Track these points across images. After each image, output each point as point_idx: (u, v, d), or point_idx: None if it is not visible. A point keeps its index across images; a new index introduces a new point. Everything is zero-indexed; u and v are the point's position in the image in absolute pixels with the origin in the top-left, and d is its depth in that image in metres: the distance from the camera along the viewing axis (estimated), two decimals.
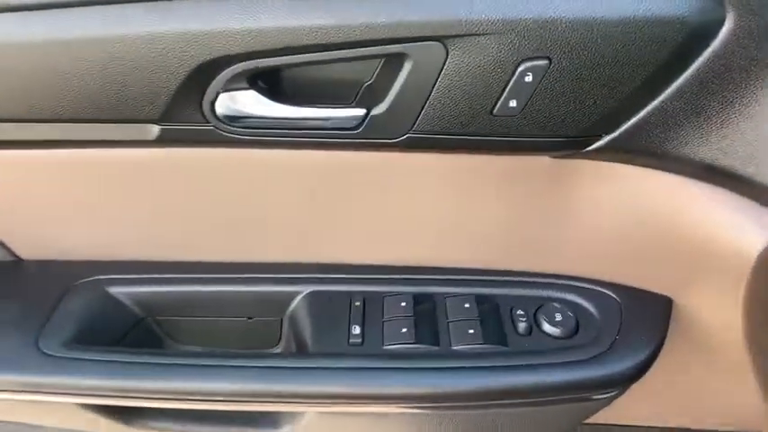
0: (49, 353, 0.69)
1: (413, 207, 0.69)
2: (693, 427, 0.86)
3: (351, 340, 0.70)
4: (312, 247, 0.75)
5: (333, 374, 0.67)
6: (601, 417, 0.79)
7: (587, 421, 0.81)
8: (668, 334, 0.72)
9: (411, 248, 0.75)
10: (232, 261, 0.77)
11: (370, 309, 0.73)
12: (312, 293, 0.75)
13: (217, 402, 0.68)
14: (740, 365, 0.75)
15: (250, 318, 0.78)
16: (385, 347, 0.69)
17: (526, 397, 0.67)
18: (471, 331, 0.69)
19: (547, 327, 0.71)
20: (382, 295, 0.74)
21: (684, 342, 0.75)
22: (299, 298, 0.75)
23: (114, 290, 0.77)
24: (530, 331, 0.71)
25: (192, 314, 0.78)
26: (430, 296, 0.74)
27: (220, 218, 0.72)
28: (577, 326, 0.71)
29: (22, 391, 0.69)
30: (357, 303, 0.73)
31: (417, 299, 0.73)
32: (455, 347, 0.69)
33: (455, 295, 0.74)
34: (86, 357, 0.68)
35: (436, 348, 0.69)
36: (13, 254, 0.81)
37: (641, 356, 0.68)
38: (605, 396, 0.70)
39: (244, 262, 0.77)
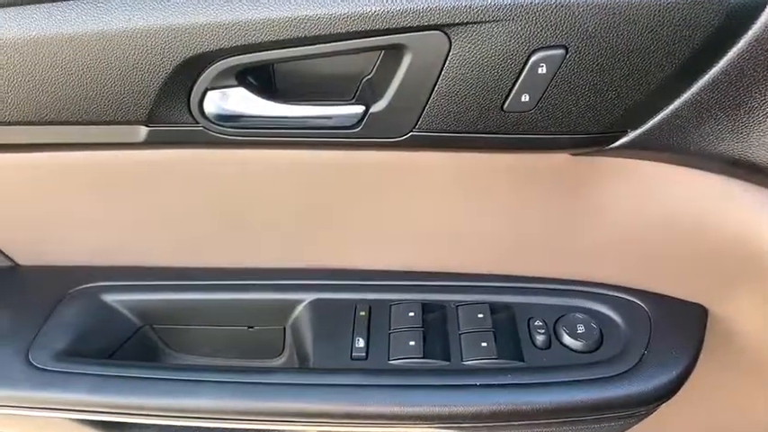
0: (39, 366, 0.66)
1: (420, 209, 0.64)
2: None
3: (354, 354, 0.65)
4: (314, 252, 0.71)
5: (334, 392, 0.62)
6: None
7: None
8: (705, 346, 0.66)
9: (419, 253, 0.70)
10: (232, 267, 0.73)
11: (375, 318, 0.68)
12: (315, 301, 0.70)
13: (212, 420, 0.64)
14: None
15: (251, 327, 0.74)
16: (390, 362, 0.64)
17: (544, 418, 0.61)
18: (485, 344, 0.64)
19: (568, 339, 0.65)
20: (389, 303, 0.69)
21: (721, 355, 0.68)
22: (301, 306, 0.71)
23: (110, 298, 0.73)
24: (549, 344, 0.65)
25: (190, 323, 0.74)
26: (440, 305, 0.69)
27: (217, 222, 0.68)
28: (602, 338, 0.65)
29: (10, 406, 0.66)
30: (362, 313, 0.68)
31: (426, 308, 0.68)
32: (466, 362, 0.64)
33: (467, 303, 0.69)
34: (76, 371, 0.65)
35: (446, 363, 0.64)
36: (10, 259, 0.79)
37: (673, 373, 0.62)
38: (632, 417, 0.64)
39: (244, 268, 0.73)
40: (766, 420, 0.74)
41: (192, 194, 0.66)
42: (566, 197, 0.62)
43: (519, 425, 0.62)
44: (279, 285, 0.71)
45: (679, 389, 0.63)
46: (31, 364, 0.67)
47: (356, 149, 0.58)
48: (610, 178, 0.59)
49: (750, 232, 0.56)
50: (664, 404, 0.64)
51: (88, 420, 0.71)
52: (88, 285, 0.74)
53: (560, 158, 0.58)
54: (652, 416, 0.67)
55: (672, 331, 0.65)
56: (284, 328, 0.73)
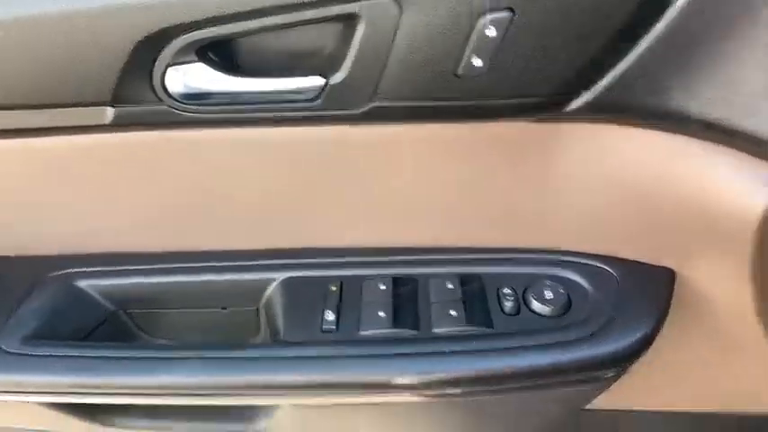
0: (9, 350, 0.67)
1: (386, 184, 0.65)
2: (703, 409, 0.80)
3: (324, 327, 0.66)
4: (285, 231, 0.71)
5: (304, 363, 0.63)
6: (601, 402, 0.74)
7: (586, 407, 0.76)
8: (672, 309, 0.67)
9: (389, 228, 0.70)
10: (204, 250, 0.73)
11: (347, 293, 0.69)
12: (287, 280, 0.71)
13: (183, 396, 0.65)
14: (752, 340, 0.70)
15: (225, 308, 0.75)
16: (361, 333, 0.65)
17: (513, 382, 0.62)
18: (454, 313, 0.65)
19: (536, 305, 0.66)
20: (360, 278, 0.70)
21: (690, 317, 0.69)
22: (273, 285, 0.71)
23: (83, 283, 0.74)
24: (517, 311, 0.66)
25: (164, 306, 0.75)
26: (411, 278, 0.70)
27: (187, 205, 0.69)
28: (569, 303, 0.66)
29: None
30: (333, 288, 0.69)
31: (397, 281, 0.69)
32: (436, 330, 0.65)
33: (437, 275, 0.69)
34: (47, 353, 0.65)
35: (416, 333, 0.65)
36: None
37: (641, 333, 0.63)
38: (603, 378, 0.65)
39: (216, 250, 0.73)
40: (735, 384, 0.75)
41: (161, 178, 0.66)
42: (530, 166, 0.63)
43: (488, 390, 0.63)
44: (250, 266, 0.72)
45: (645, 349, 0.64)
46: (1, 348, 0.67)
47: (319, 124, 0.59)
48: (570, 144, 0.60)
49: (713, 193, 0.57)
50: (635, 366, 0.65)
51: (60, 404, 0.71)
52: (61, 272, 0.74)
53: (522, 127, 0.59)
54: (620, 381, 0.68)
55: (639, 295, 0.66)
56: (258, 309, 0.74)
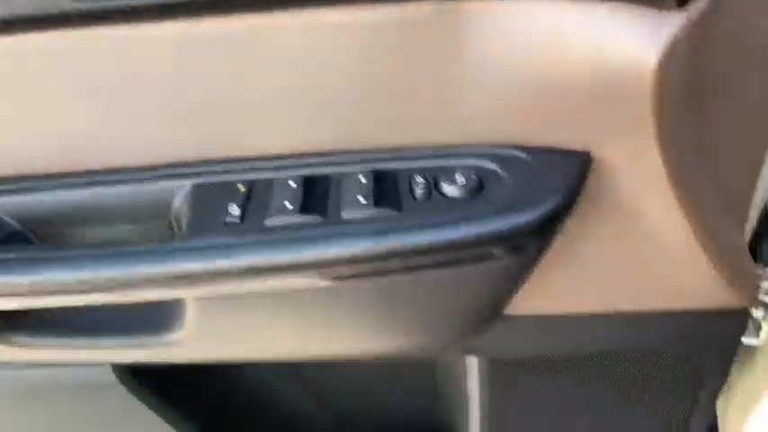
0: None
1: (295, 84, 0.64)
2: (630, 308, 0.76)
3: (228, 220, 0.63)
4: (189, 143, 0.69)
5: (203, 253, 0.60)
6: (525, 307, 0.72)
7: (511, 313, 0.73)
8: (589, 199, 0.65)
9: (299, 132, 0.69)
10: (107, 167, 0.71)
11: (256, 193, 0.66)
12: (194, 188, 0.68)
13: (73, 294, 0.61)
14: (672, 230, 0.68)
15: (135, 223, 0.72)
16: (266, 222, 0.63)
17: (419, 256, 0.60)
18: (363, 200, 0.63)
19: (447, 189, 0.64)
20: (270, 180, 0.68)
21: (607, 208, 0.67)
22: (180, 194, 0.69)
23: None
24: (429, 196, 0.64)
25: (71, 224, 0.72)
26: (323, 176, 0.68)
27: (85, 120, 0.67)
28: (482, 186, 0.64)
29: None
30: (241, 188, 0.66)
31: (309, 179, 0.67)
32: (344, 215, 0.62)
33: (350, 172, 0.67)
34: None
35: (322, 219, 0.62)
36: None
37: (550, 205, 0.61)
38: (513, 252, 0.63)
39: (120, 167, 0.71)
40: (657, 281, 0.72)
41: (59, 89, 0.64)
42: (436, 56, 0.62)
43: (395, 270, 0.61)
44: (156, 176, 0.69)
45: (559, 223, 0.62)
46: None
47: (208, 18, 0.58)
48: (477, 28, 0.59)
49: (607, 56, 0.56)
50: (559, 266, 0.62)
51: None
52: None
53: (425, 11, 0.58)
54: (533, 284, 0.66)
55: (552, 176, 0.64)
56: (170, 223, 0.71)
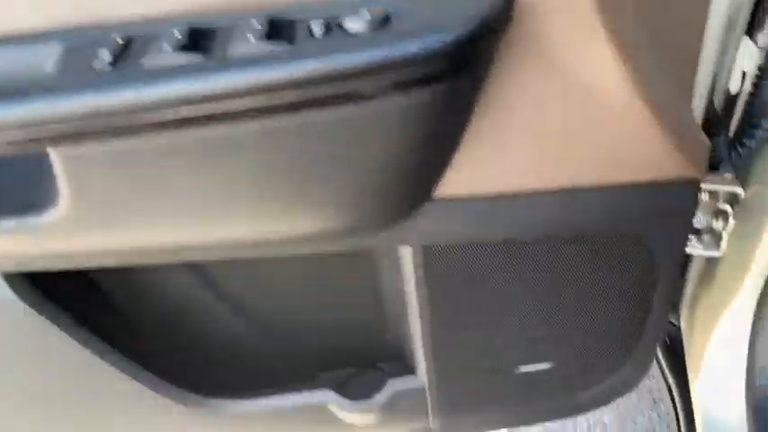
0: None
1: None
2: (569, 184, 0.69)
3: (99, 66, 0.55)
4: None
5: (68, 91, 0.52)
6: (454, 186, 0.66)
7: (440, 195, 0.66)
8: (515, 45, 0.58)
9: None
10: None
11: (134, 44, 0.58)
12: (65, 50, 0.59)
13: None
14: (611, 91, 0.62)
15: None
16: (143, 64, 0.54)
17: (316, 83, 0.52)
18: (251, 37, 0.55)
19: (349, 24, 0.56)
20: (154, 32, 0.59)
21: (536, 58, 0.60)
22: (53, 56, 0.60)
23: None
24: (329, 31, 0.56)
25: None
26: (212, 27, 0.59)
27: None
28: (388, 19, 0.57)
29: None
30: (119, 40, 0.57)
31: (195, 29, 0.58)
32: (230, 53, 0.54)
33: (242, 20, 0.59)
34: None
35: (204, 57, 0.54)
36: None
37: (463, 30, 0.53)
38: (429, 90, 0.55)
39: None
40: (591, 136, 0.65)
41: None
42: None
43: (290, 104, 0.53)
44: (29, 39, 0.60)
45: (472, 59, 0.55)
46: None
47: None
48: None
49: None
50: (473, 126, 0.55)
51: None
52: None
53: None
54: (465, 148, 0.61)
55: (467, 7, 0.56)
56: None
